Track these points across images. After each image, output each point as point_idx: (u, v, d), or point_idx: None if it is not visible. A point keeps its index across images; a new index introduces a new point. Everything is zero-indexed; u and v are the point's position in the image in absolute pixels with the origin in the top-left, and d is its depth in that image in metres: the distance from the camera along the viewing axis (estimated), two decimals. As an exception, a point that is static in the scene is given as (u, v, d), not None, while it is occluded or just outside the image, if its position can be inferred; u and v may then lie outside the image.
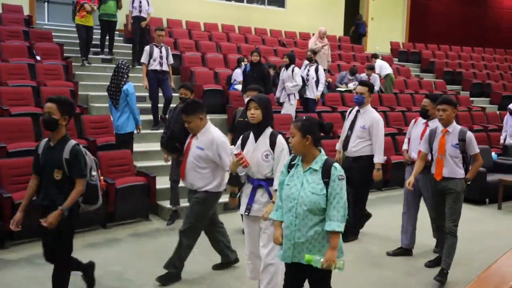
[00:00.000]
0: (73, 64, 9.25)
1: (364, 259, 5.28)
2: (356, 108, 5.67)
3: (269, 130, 3.84)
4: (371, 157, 5.54)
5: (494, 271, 3.49)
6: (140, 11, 10.14)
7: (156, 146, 7.45)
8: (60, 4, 14.34)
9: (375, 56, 12.65)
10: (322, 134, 3.20)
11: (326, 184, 3.02)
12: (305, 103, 9.42)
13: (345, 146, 5.66)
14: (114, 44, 10.60)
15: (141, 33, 10.21)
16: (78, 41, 11.11)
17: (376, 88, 11.40)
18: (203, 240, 4.65)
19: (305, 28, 15.27)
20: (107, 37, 10.39)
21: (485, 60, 17.74)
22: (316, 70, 9.38)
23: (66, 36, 11.24)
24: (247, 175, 3.86)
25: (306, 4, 15.95)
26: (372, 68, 11.58)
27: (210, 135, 4.29)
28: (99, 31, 10.35)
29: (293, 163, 3.20)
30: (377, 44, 16.88)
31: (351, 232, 5.62)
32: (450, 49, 17.82)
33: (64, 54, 9.51)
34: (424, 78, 14.37)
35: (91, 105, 8.44)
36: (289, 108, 8.91)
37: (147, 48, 8.35)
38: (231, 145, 5.15)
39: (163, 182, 6.41)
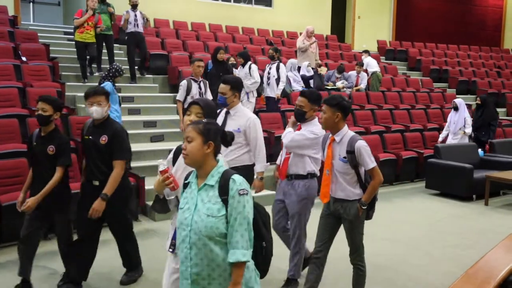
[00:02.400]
0: (59, 64, 9.17)
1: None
2: (225, 109, 4.51)
3: None
4: (250, 167, 4.44)
5: (481, 267, 3.53)
6: (136, 25, 9.83)
7: (145, 147, 7.43)
8: (45, 4, 14.24)
9: (366, 52, 12.87)
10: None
11: (225, 202, 2.39)
12: (266, 102, 9.27)
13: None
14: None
15: (138, 45, 9.96)
16: (64, 41, 11.05)
17: (362, 86, 11.49)
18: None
19: (292, 27, 15.33)
20: (106, 51, 9.86)
21: (471, 58, 17.96)
22: (277, 68, 9.07)
23: (52, 37, 11.14)
24: (177, 200, 2.93)
25: (293, 3, 16.01)
26: (362, 65, 11.68)
27: None
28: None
29: (186, 181, 2.57)
30: (364, 42, 16.98)
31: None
32: (436, 47, 18.01)
33: (50, 55, 9.42)
34: (411, 76, 14.49)
35: (78, 106, 8.38)
36: (249, 106, 8.52)
37: (183, 83, 7.23)
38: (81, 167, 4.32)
39: (152, 183, 6.37)
